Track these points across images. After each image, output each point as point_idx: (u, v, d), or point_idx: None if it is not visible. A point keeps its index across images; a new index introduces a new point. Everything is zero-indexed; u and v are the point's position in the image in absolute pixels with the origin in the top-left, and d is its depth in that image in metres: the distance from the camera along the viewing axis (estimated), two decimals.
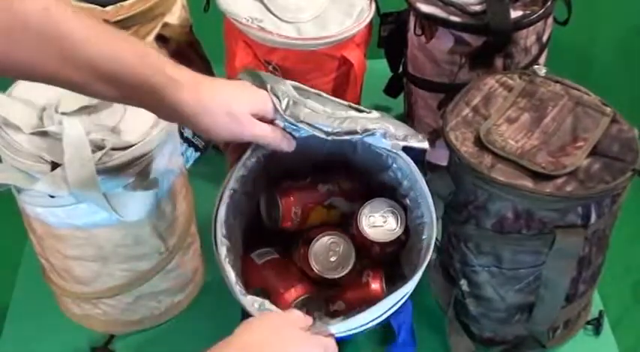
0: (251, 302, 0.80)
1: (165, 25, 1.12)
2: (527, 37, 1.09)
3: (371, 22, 1.12)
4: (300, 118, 0.82)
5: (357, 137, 0.83)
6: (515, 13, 1.07)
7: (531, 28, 1.09)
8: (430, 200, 0.85)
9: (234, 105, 0.78)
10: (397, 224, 0.90)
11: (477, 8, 1.07)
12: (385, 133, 0.84)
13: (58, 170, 0.81)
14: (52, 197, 0.83)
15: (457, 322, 1.00)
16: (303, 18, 1.09)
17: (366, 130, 0.83)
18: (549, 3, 1.09)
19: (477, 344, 1.00)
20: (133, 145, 0.84)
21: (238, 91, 0.81)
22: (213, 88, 0.78)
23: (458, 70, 1.12)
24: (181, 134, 1.17)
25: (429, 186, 0.89)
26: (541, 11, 1.08)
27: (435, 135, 1.19)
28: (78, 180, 0.80)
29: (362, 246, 0.91)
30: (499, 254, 0.89)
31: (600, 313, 1.04)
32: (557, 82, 0.96)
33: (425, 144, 0.87)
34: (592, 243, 0.89)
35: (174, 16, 1.14)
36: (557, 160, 0.85)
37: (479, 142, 0.88)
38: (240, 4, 1.09)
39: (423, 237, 0.85)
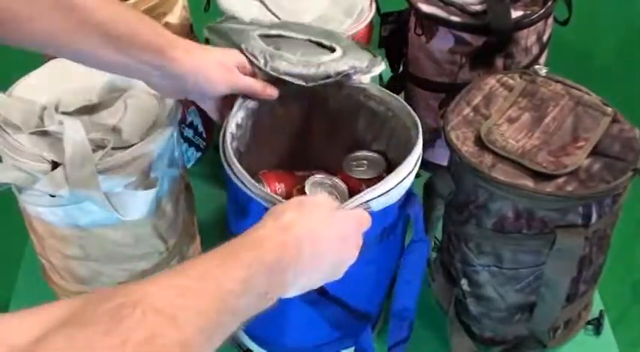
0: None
1: (166, 25, 1.12)
2: (528, 37, 1.09)
3: (371, 22, 1.12)
4: (280, 71, 0.88)
5: (331, 80, 0.89)
6: (515, 13, 1.07)
7: (532, 28, 1.09)
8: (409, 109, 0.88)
9: (224, 59, 0.85)
10: (380, 169, 0.91)
11: (478, 8, 1.07)
12: (355, 71, 0.90)
13: (59, 169, 0.81)
14: (52, 196, 0.83)
15: (458, 322, 1.00)
16: (303, 18, 1.09)
17: (338, 73, 0.89)
18: (550, 3, 1.09)
19: (477, 343, 1.00)
20: (134, 145, 0.84)
21: (220, 50, 0.89)
22: (202, 47, 0.86)
23: (458, 69, 1.12)
24: (182, 134, 1.18)
25: (428, 186, 0.89)
26: (541, 11, 1.08)
27: (436, 135, 1.19)
28: (78, 179, 0.80)
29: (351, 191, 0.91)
30: (500, 253, 0.89)
31: (601, 313, 1.04)
32: (557, 81, 0.96)
33: (382, 65, 0.92)
34: (593, 242, 0.89)
35: (175, 16, 1.14)
36: (558, 160, 0.85)
37: (479, 142, 0.88)
38: (240, 5, 1.09)
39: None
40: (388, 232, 0.83)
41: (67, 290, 0.99)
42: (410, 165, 0.79)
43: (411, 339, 1.02)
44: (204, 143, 1.26)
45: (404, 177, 0.78)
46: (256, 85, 0.88)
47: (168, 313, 0.51)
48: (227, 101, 0.87)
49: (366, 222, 0.74)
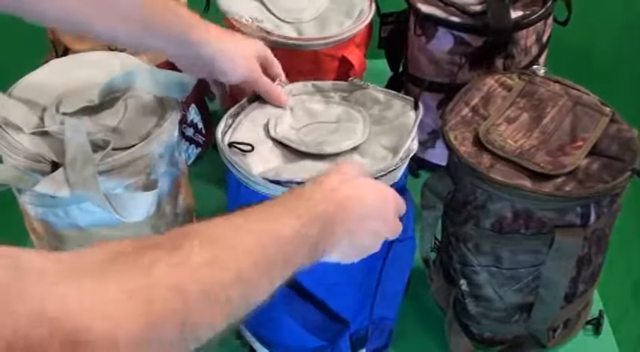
0: None
1: None
2: (528, 37, 1.09)
3: (371, 23, 1.12)
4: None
5: None
6: (515, 13, 1.07)
7: (531, 28, 1.09)
8: None
9: (247, 50, 0.90)
10: None
11: (477, 8, 1.08)
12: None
13: (59, 171, 0.81)
14: (52, 197, 0.84)
15: (457, 322, 1.00)
16: (303, 18, 1.09)
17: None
18: (549, 3, 1.09)
19: (476, 344, 1.00)
20: (134, 146, 0.84)
21: (246, 39, 0.94)
22: (228, 33, 0.91)
23: (458, 70, 1.12)
24: (182, 133, 1.18)
25: (427, 186, 0.90)
26: (541, 11, 1.08)
27: (435, 135, 1.20)
28: (79, 180, 0.80)
29: None
30: (498, 254, 0.89)
31: (600, 313, 1.04)
32: (556, 81, 0.96)
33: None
34: (591, 242, 0.89)
35: None
36: (556, 160, 0.85)
37: (478, 142, 0.88)
38: (240, 5, 1.10)
39: None
40: None
41: None
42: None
43: (410, 339, 1.02)
44: (204, 139, 1.26)
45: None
46: (274, 90, 0.92)
47: (225, 243, 0.53)
48: (235, 90, 0.92)
49: (402, 204, 0.74)
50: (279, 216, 0.59)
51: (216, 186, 1.16)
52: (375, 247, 0.71)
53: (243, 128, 0.89)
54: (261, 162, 0.84)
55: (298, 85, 0.95)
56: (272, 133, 0.88)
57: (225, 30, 0.89)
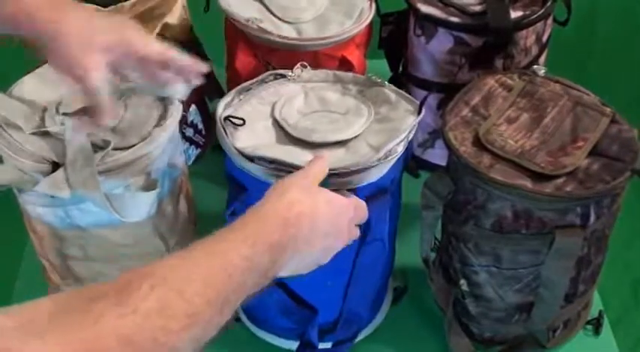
0: None
1: (166, 25, 1.12)
2: (527, 38, 1.09)
3: (371, 23, 1.12)
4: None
5: None
6: (515, 14, 1.07)
7: (531, 28, 1.09)
8: None
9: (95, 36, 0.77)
10: None
11: (477, 9, 1.08)
12: None
13: (59, 171, 0.81)
14: (52, 197, 0.84)
15: (457, 322, 1.00)
16: (303, 18, 1.09)
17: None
18: (549, 3, 1.09)
19: (476, 344, 1.00)
20: (134, 145, 0.84)
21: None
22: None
23: (458, 70, 1.12)
24: (183, 134, 1.18)
25: (427, 186, 0.90)
26: (541, 11, 1.08)
27: (435, 135, 1.20)
28: (79, 180, 0.80)
29: None
30: (498, 254, 0.89)
31: (600, 313, 1.04)
32: (556, 81, 0.96)
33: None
34: (591, 242, 0.89)
35: (175, 16, 1.14)
36: (557, 160, 0.85)
37: (478, 142, 0.88)
38: (240, 5, 1.09)
39: None
40: None
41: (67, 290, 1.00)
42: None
43: (409, 339, 1.02)
44: (204, 140, 1.26)
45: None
46: (104, 101, 0.80)
47: (176, 286, 0.52)
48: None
49: (363, 212, 0.76)
50: (235, 246, 0.60)
51: (216, 186, 1.16)
52: (326, 260, 0.72)
53: (248, 104, 0.91)
54: (249, 138, 0.85)
55: (320, 73, 0.95)
56: (275, 113, 0.89)
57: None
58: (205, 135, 1.26)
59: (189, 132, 1.22)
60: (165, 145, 0.88)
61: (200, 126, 1.24)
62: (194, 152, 1.26)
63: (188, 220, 1.01)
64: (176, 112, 0.90)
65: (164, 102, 0.90)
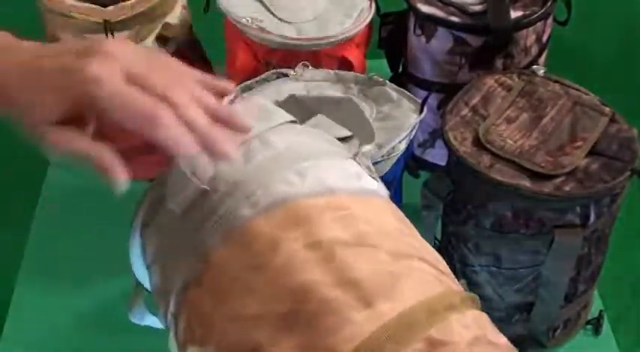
0: None
1: (166, 25, 1.12)
2: (527, 37, 1.09)
3: (371, 23, 1.12)
4: None
5: None
6: (515, 14, 1.07)
7: (531, 28, 1.09)
8: None
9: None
10: None
11: (477, 8, 1.08)
12: None
13: None
14: None
15: None
16: (303, 18, 1.09)
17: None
18: (549, 3, 1.09)
19: None
20: None
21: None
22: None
23: (458, 70, 1.12)
24: None
25: (427, 186, 0.89)
26: (541, 11, 1.08)
27: (435, 135, 1.20)
28: None
29: None
30: (498, 254, 0.89)
31: (600, 313, 1.04)
32: (556, 81, 0.96)
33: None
34: (591, 242, 0.89)
35: (175, 16, 1.14)
36: (556, 160, 0.85)
37: (478, 142, 0.88)
38: (240, 5, 1.09)
39: None
40: None
41: None
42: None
43: None
44: None
45: None
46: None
47: None
48: None
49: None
50: None
51: None
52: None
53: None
54: None
55: (322, 72, 0.95)
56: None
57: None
58: None
59: None
60: None
61: None
62: None
63: None
64: None
65: None
